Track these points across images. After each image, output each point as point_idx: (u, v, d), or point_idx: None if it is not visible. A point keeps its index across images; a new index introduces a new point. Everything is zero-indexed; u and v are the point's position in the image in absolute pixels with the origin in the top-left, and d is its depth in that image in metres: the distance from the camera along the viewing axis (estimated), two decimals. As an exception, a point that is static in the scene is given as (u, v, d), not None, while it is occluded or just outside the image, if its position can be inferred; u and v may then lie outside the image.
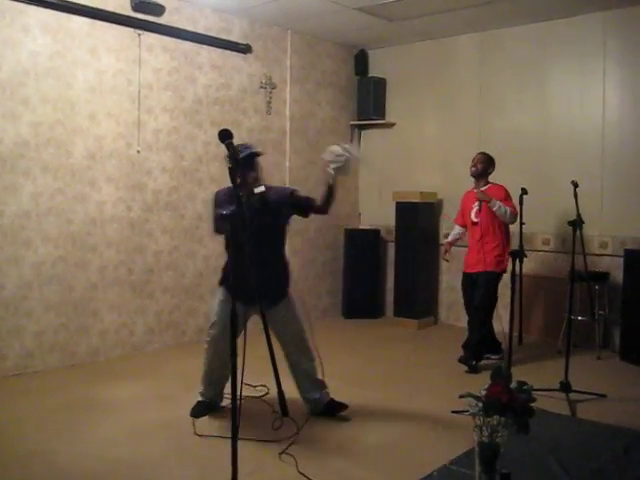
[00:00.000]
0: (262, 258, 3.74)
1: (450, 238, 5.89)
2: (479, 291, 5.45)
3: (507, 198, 5.42)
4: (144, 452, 3.64)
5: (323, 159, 3.95)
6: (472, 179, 5.54)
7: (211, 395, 4.32)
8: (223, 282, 4.26)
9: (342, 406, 4.23)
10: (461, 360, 5.42)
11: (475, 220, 5.52)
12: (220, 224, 3.92)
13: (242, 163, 3.63)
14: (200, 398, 4.33)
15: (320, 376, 4.16)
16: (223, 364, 4.11)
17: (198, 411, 4.23)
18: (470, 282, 5.57)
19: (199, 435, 3.85)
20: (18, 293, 5.06)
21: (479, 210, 5.45)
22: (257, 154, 4.03)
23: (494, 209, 5.30)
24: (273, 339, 2.79)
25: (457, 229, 5.88)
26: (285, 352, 4.16)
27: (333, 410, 4.21)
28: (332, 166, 3.88)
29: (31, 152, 5.10)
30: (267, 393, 4.42)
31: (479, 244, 5.45)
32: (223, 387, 4.28)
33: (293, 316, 4.19)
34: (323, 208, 4.08)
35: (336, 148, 3.92)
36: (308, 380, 4.21)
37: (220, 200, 3.97)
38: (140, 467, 3.46)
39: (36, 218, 5.15)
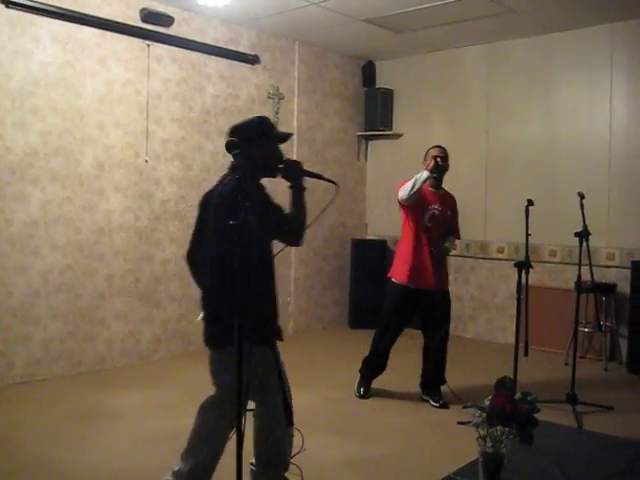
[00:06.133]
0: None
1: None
2: (443, 313, 4.80)
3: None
4: (149, 461, 3.64)
5: None
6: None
7: None
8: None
9: None
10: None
11: (428, 225, 4.71)
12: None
13: None
14: None
15: None
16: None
17: None
18: (422, 299, 4.72)
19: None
20: (26, 301, 5.09)
21: (438, 214, 4.74)
22: None
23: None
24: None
25: None
26: None
27: None
28: None
29: (40, 161, 5.14)
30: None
31: (432, 255, 4.68)
32: None
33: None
34: None
35: None
36: None
37: None
38: (145, 476, 3.46)
39: (44, 227, 5.18)
